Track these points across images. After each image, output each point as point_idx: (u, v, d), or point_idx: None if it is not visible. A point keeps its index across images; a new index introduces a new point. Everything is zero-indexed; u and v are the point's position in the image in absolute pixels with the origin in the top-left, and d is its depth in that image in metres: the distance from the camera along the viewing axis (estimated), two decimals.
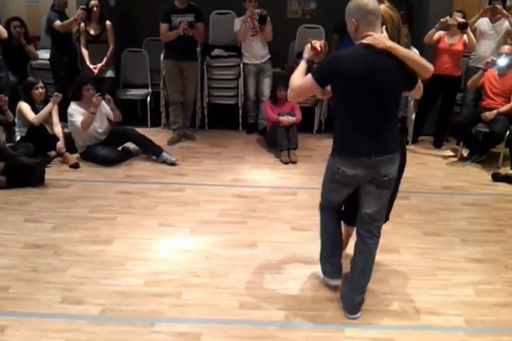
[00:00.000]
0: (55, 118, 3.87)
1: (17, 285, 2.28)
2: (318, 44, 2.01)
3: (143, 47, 5.05)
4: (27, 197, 3.23)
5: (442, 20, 4.13)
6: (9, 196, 3.24)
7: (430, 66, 1.92)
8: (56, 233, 2.78)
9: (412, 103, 4.45)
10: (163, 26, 4.18)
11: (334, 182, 2.09)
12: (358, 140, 1.93)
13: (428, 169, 3.99)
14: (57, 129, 3.85)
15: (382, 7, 1.92)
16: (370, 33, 1.84)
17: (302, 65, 2.02)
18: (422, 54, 4.26)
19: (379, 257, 2.57)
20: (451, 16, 4.17)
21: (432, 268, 2.51)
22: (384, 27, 1.88)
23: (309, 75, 1.91)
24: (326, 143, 4.48)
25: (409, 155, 4.14)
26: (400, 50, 1.85)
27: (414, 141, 4.56)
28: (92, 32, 4.37)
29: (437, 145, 4.49)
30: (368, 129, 1.91)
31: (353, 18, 1.86)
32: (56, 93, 3.82)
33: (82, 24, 4.33)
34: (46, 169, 3.51)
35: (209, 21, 4.85)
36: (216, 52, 4.77)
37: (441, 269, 2.51)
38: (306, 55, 2.03)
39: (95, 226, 2.86)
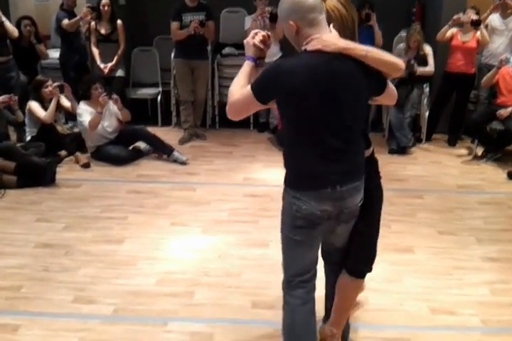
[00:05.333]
0: (65, 102, 3.88)
1: (29, 284, 2.29)
2: (258, 38, 1.54)
3: (153, 45, 5.05)
4: (38, 197, 3.24)
5: (455, 17, 4.06)
6: (20, 196, 3.25)
7: (398, 62, 1.52)
8: (68, 233, 2.79)
9: (425, 101, 4.39)
10: (174, 25, 4.17)
11: (298, 230, 1.58)
12: (317, 167, 1.52)
13: (442, 167, 3.93)
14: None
15: (331, 3, 1.53)
16: (315, 35, 1.45)
17: (245, 67, 1.55)
18: (434, 51, 4.30)
19: (393, 257, 2.56)
20: (464, 13, 4.11)
21: (446, 268, 2.47)
22: (332, 25, 1.50)
23: (248, 87, 1.49)
24: None
25: (423, 154, 4.24)
26: (358, 49, 1.46)
27: (428, 139, 4.49)
28: (102, 31, 4.37)
29: (451, 143, 4.42)
30: (328, 154, 1.51)
31: (291, 21, 1.45)
32: (55, 84, 3.77)
33: (93, 23, 4.34)
34: (57, 169, 3.52)
35: (220, 19, 4.83)
36: (227, 50, 4.75)
37: (457, 268, 2.47)
38: (248, 52, 1.57)
39: (107, 226, 2.86)
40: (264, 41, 1.56)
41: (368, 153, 1.68)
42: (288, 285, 1.67)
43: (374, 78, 1.52)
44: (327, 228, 1.63)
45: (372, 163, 1.70)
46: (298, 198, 1.55)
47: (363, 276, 1.77)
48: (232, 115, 1.57)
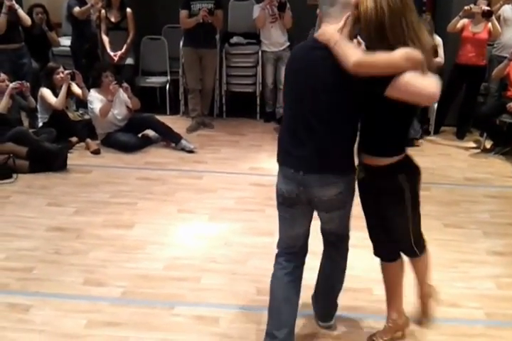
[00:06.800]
0: (76, 89, 3.93)
1: (41, 266, 2.35)
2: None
3: (162, 34, 5.05)
4: (50, 182, 3.29)
5: (466, 8, 4.01)
6: (32, 180, 3.31)
7: (349, 61, 1.42)
8: (78, 217, 2.84)
9: None
10: (183, 13, 4.16)
11: (280, 207, 1.71)
12: (288, 146, 1.61)
13: (450, 160, 3.92)
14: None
15: None
16: (324, 24, 1.53)
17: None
18: (445, 42, 4.24)
19: None
20: (475, 4, 4.05)
21: (452, 261, 2.48)
22: (345, 16, 1.48)
23: None
24: None
25: (430, 146, 4.23)
26: (330, 40, 1.46)
27: (436, 132, 4.47)
28: (112, 19, 4.38)
29: (460, 136, 4.40)
30: (298, 137, 1.58)
31: (318, 9, 1.60)
32: (67, 71, 3.82)
33: (103, 11, 4.34)
34: (68, 155, 3.57)
35: (228, 8, 4.81)
36: (235, 39, 4.74)
37: (462, 261, 2.48)
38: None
39: (116, 211, 2.91)
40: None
41: (391, 160, 1.59)
42: (276, 254, 1.81)
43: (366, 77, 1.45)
44: (309, 211, 1.70)
45: (402, 170, 1.60)
46: (278, 172, 1.68)
47: (414, 256, 1.83)
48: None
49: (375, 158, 1.62)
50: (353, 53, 1.44)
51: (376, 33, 1.46)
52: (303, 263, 1.80)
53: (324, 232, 1.82)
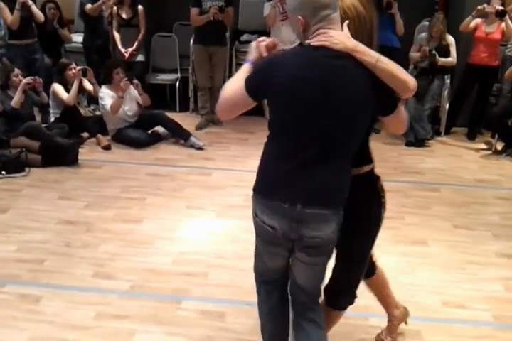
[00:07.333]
0: (88, 85, 3.98)
1: (51, 258, 2.38)
2: (264, 43, 1.42)
3: (173, 31, 5.07)
4: (61, 176, 3.34)
5: (479, 7, 3.98)
6: (44, 174, 3.36)
7: (410, 81, 1.31)
8: (89, 211, 2.88)
9: (446, 92, 4.32)
10: (194, 10, 4.18)
11: (258, 238, 1.48)
12: (281, 176, 1.35)
13: (460, 161, 3.89)
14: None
15: (349, 1, 1.36)
16: (323, 30, 1.29)
17: (243, 68, 1.42)
18: (458, 42, 4.21)
19: (407, 248, 2.56)
20: (489, 3, 4.01)
21: (460, 262, 2.47)
22: (346, 23, 1.33)
23: (241, 83, 1.36)
24: None
25: (441, 147, 4.22)
26: (368, 54, 1.28)
27: (447, 132, 4.44)
28: (124, 16, 4.41)
29: (471, 137, 4.36)
30: (301, 162, 1.33)
31: (299, 15, 1.31)
32: (78, 67, 3.87)
33: (115, 8, 4.38)
34: (79, 150, 3.61)
35: (238, 6, 4.82)
36: (245, 37, 4.75)
37: (471, 263, 2.46)
38: (250, 55, 1.44)
39: (126, 206, 2.94)
40: (269, 48, 1.43)
41: (361, 170, 1.46)
42: (255, 278, 1.60)
43: (384, 92, 1.31)
44: (289, 250, 1.43)
45: (370, 181, 1.49)
46: (256, 204, 1.41)
47: (339, 308, 1.60)
48: (222, 113, 1.45)
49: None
50: (406, 73, 1.31)
51: (368, 38, 1.36)
52: (286, 289, 1.56)
53: (294, 289, 1.52)
